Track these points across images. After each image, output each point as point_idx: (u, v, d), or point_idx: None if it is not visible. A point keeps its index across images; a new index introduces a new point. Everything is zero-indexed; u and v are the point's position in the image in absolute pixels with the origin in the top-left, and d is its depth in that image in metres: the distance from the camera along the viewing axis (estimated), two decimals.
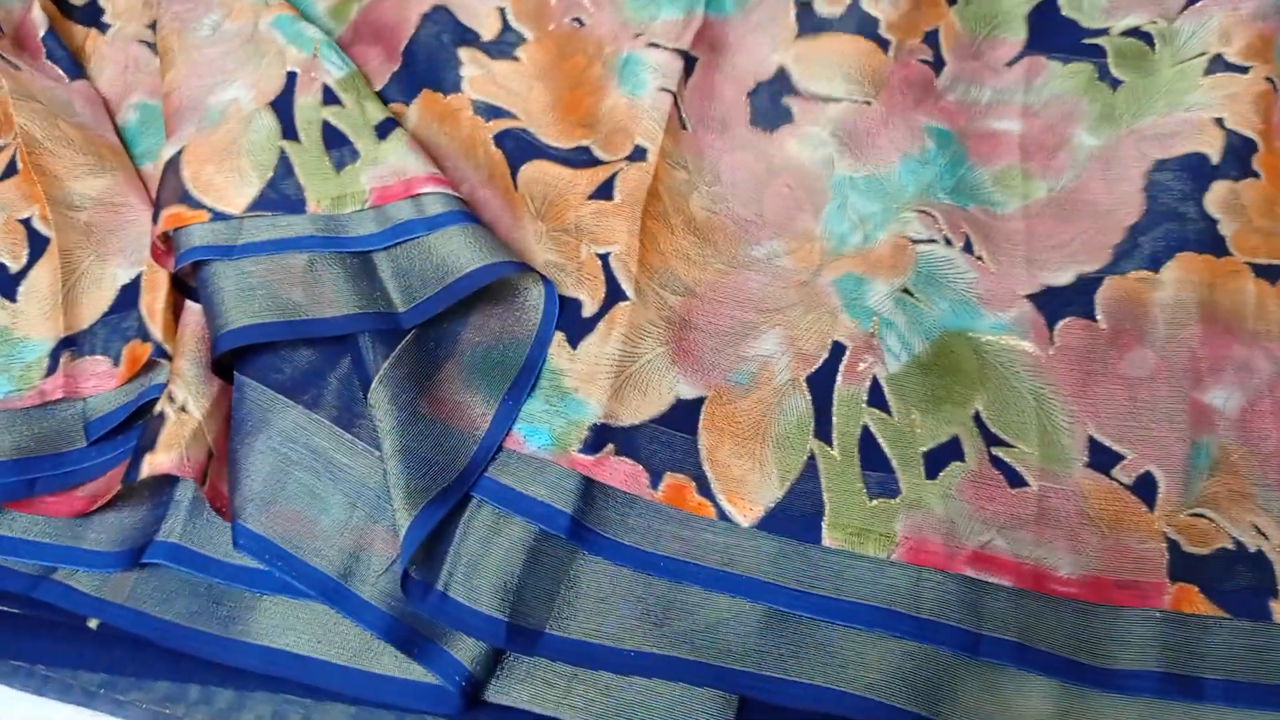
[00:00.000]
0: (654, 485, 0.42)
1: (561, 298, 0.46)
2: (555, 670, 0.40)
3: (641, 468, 0.42)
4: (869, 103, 0.52)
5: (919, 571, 0.40)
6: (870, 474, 0.42)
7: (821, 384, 0.44)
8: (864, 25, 0.54)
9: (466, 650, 0.39)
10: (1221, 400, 0.43)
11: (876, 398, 0.44)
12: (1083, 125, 0.52)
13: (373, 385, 0.42)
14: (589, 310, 0.45)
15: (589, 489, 0.42)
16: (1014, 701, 0.38)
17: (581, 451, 0.42)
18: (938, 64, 0.54)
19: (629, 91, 0.51)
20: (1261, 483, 0.41)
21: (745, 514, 0.41)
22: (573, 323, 0.45)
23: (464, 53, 0.53)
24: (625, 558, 0.41)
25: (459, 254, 0.45)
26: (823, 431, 0.43)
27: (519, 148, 0.50)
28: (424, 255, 0.46)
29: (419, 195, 0.47)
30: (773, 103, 0.52)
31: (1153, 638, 0.39)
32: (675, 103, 0.51)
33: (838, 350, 0.45)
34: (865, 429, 0.43)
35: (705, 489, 0.42)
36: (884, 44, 0.54)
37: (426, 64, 0.53)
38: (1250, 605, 0.39)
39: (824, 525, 0.41)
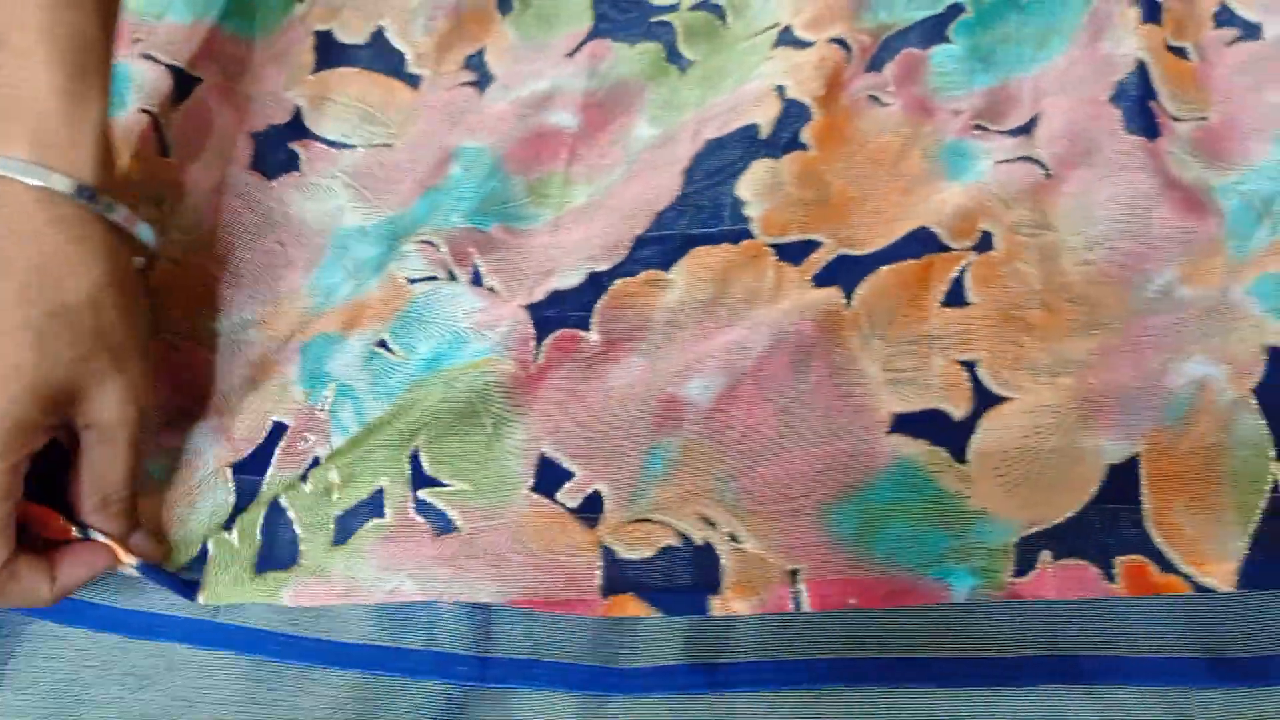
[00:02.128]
0: None
1: None
2: None
3: None
4: (389, 145, 0.47)
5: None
6: (269, 550, 0.37)
7: (251, 473, 0.39)
8: (388, 62, 0.49)
9: None
10: (699, 390, 0.37)
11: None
12: (643, 116, 0.47)
13: None
14: None
15: None
16: None
17: None
18: (484, 82, 0.49)
19: (111, 113, 0.46)
20: (720, 475, 0.36)
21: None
22: None
23: None
24: (93, 621, 0.38)
25: None
26: (232, 520, 0.38)
27: None
28: None
29: None
30: (279, 147, 0.47)
31: (678, 630, 0.36)
32: (157, 125, 0.45)
33: (277, 431, 0.39)
34: (275, 503, 0.38)
35: None
36: (413, 80, 0.49)
37: None
38: (688, 603, 0.35)
39: (201, 597, 0.37)
